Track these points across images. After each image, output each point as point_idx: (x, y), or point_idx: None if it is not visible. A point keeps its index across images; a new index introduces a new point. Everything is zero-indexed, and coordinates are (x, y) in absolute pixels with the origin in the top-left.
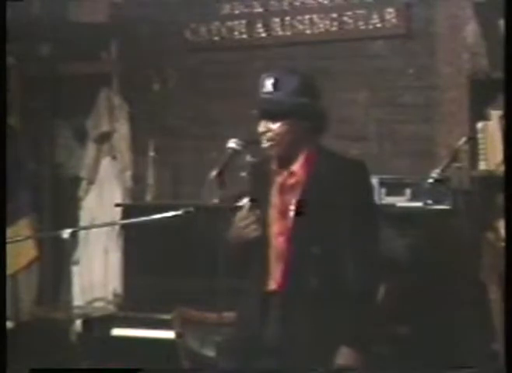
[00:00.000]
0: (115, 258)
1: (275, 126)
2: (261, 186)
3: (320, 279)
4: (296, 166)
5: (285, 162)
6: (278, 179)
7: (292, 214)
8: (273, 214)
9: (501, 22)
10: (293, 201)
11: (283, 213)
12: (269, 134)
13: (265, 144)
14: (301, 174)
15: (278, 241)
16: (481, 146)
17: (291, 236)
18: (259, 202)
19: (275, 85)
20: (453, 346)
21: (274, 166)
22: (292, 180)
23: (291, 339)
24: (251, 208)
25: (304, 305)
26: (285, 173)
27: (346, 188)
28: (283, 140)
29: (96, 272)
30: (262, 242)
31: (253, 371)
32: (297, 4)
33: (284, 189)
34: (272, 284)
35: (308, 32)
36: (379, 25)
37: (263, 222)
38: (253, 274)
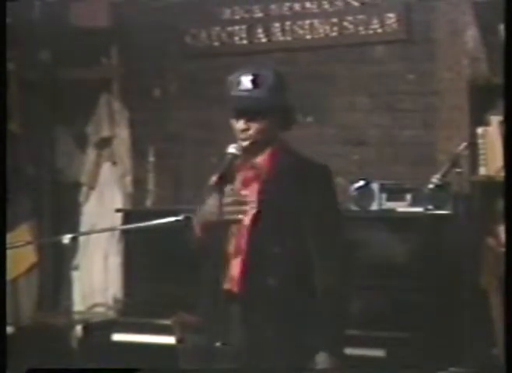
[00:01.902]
0: (115, 263)
1: (256, 123)
2: (230, 180)
3: (279, 279)
4: (259, 159)
5: (252, 155)
6: (242, 173)
7: (251, 209)
8: None
9: (501, 27)
10: (251, 197)
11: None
12: (249, 132)
13: (245, 143)
14: (262, 167)
15: (236, 237)
16: (481, 151)
17: (248, 233)
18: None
19: (253, 81)
20: (453, 352)
21: (241, 160)
22: (251, 173)
23: (251, 342)
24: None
25: (262, 305)
26: (248, 166)
27: (307, 189)
28: (262, 137)
29: (97, 277)
30: (223, 237)
31: (251, 370)
32: (297, 9)
33: (245, 184)
34: (228, 284)
35: (308, 37)
36: (379, 30)
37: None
38: (212, 272)
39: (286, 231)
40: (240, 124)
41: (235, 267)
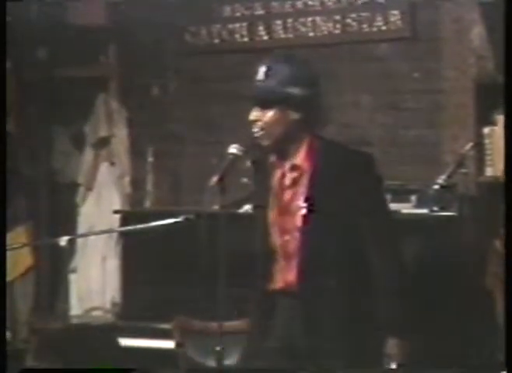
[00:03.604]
0: (113, 266)
1: (266, 115)
2: (262, 183)
3: (337, 275)
4: (299, 159)
5: (284, 154)
6: (278, 174)
7: (298, 209)
8: (275, 210)
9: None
10: (300, 197)
11: (286, 209)
12: (259, 123)
13: (256, 134)
14: (305, 167)
15: (283, 239)
16: (487, 152)
17: (302, 234)
18: (261, 201)
19: (266, 73)
20: (459, 354)
21: (273, 159)
22: (294, 174)
23: (309, 339)
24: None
25: (324, 303)
26: (286, 166)
27: (355, 180)
28: (273, 129)
29: (94, 280)
30: (264, 241)
31: (251, 371)
32: (300, 6)
33: (286, 184)
34: (281, 284)
35: (311, 34)
36: (383, 27)
37: (264, 220)
38: (256, 276)
39: (340, 228)
40: (251, 115)
41: (289, 268)
